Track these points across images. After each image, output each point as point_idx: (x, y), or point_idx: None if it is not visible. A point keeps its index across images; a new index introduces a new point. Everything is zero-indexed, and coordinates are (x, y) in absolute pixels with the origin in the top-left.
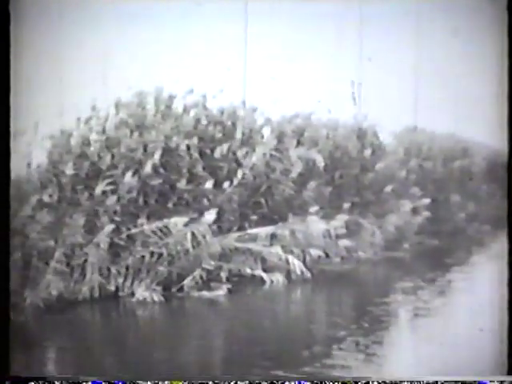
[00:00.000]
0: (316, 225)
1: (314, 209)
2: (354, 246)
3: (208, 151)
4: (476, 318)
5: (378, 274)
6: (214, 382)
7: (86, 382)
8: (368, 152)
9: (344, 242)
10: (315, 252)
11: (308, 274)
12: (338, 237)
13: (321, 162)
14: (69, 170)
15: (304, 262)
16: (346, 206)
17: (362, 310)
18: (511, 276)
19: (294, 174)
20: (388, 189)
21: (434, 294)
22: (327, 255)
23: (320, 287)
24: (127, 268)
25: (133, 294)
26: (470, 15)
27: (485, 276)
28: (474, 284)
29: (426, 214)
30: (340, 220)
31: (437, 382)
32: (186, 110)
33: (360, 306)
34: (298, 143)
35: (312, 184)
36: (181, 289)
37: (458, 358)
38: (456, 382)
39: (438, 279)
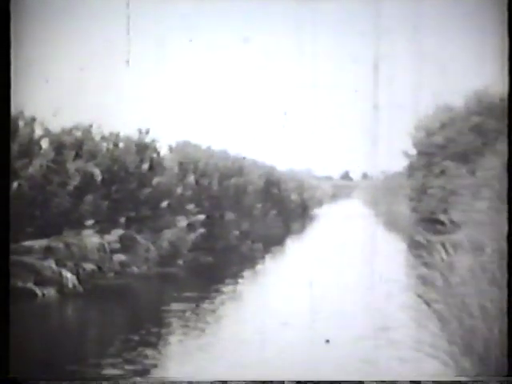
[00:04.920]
0: (91, 239)
1: (89, 222)
2: (128, 261)
3: None
4: (242, 326)
5: (152, 289)
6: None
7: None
8: (146, 166)
9: (118, 257)
10: (89, 266)
11: (80, 288)
12: (112, 251)
13: (98, 176)
14: None
15: (77, 275)
16: (122, 220)
17: (136, 321)
18: (510, 276)
19: (70, 187)
20: (164, 204)
21: (204, 307)
22: (101, 269)
23: (93, 301)
24: None
25: None
26: None
27: (253, 289)
28: (242, 296)
29: (201, 230)
30: (115, 234)
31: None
32: None
33: (133, 319)
34: (77, 156)
35: (89, 197)
36: None
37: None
38: (454, 382)
39: (208, 294)
